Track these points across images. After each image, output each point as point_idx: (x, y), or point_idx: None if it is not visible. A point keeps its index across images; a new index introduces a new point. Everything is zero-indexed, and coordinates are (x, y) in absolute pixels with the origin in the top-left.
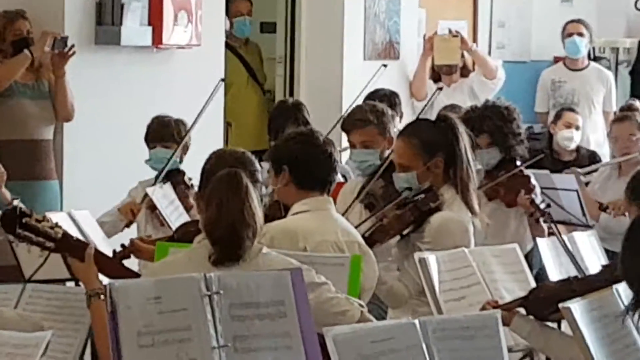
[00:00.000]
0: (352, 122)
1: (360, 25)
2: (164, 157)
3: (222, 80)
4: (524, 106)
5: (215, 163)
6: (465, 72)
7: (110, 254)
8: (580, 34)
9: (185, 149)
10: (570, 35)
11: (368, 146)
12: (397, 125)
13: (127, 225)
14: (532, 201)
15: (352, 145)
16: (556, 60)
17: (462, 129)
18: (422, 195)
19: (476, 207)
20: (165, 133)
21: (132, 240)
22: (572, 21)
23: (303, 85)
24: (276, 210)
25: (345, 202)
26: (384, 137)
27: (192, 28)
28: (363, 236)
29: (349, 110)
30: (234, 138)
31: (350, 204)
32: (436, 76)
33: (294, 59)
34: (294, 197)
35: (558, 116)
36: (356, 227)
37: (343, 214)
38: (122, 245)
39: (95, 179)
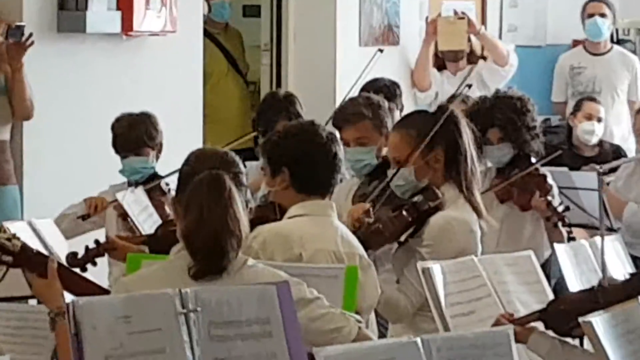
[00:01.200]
0: (345, 117)
1: (355, 7)
2: (141, 167)
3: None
4: (540, 96)
5: (194, 164)
6: (473, 58)
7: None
8: (602, 15)
9: (160, 148)
10: (591, 15)
11: (363, 143)
12: (397, 118)
13: (84, 218)
14: (549, 203)
15: (346, 143)
16: (575, 43)
17: (463, 121)
18: (420, 194)
19: (482, 207)
20: (134, 139)
21: (108, 237)
22: (593, 0)
23: (291, 76)
24: (270, 212)
25: (340, 204)
26: (381, 133)
27: (166, 13)
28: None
29: (340, 103)
30: (212, 135)
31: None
32: (440, 63)
33: (280, 46)
34: (293, 201)
35: (578, 107)
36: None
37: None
38: (96, 242)
39: (59, 184)
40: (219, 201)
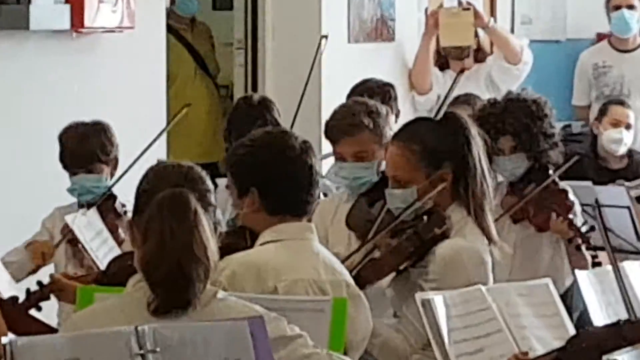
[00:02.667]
0: (342, 128)
1: None
2: (93, 186)
3: (187, 105)
4: (559, 99)
5: (153, 181)
6: (480, 56)
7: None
8: (631, 6)
9: (115, 163)
10: (617, 8)
11: (362, 158)
12: (392, 125)
13: (34, 271)
14: (571, 223)
15: (341, 157)
16: (600, 38)
17: (474, 131)
18: (425, 219)
19: (494, 232)
20: (86, 153)
21: (52, 277)
22: None
23: (269, 78)
24: (239, 239)
25: (323, 225)
26: (381, 144)
27: (122, 6)
28: (350, 273)
29: (333, 111)
30: (177, 148)
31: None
32: (443, 62)
33: (256, 43)
34: (265, 224)
35: (603, 111)
36: (342, 262)
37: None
38: (39, 283)
39: None
40: (182, 224)
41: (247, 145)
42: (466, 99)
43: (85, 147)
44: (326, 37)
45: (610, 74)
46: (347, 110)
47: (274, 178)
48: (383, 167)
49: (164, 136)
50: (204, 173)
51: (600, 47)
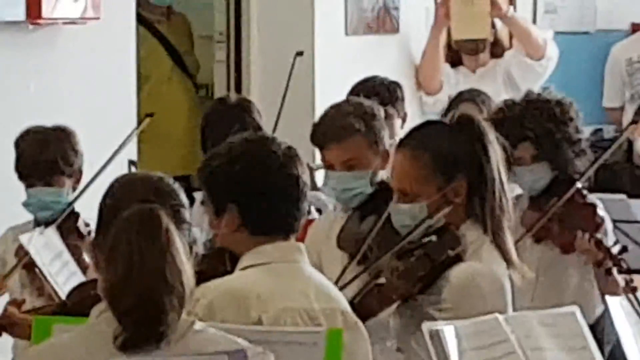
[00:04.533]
0: (329, 133)
1: None
2: (52, 200)
3: (149, 115)
4: (588, 99)
5: (119, 196)
6: (498, 50)
7: None
8: None
9: (79, 176)
10: None
11: (354, 166)
12: (398, 130)
13: None
14: (599, 243)
15: (329, 166)
16: (635, 29)
17: (492, 137)
18: (436, 238)
19: (514, 254)
20: (46, 162)
21: (5, 310)
22: None
23: (255, 77)
24: (217, 263)
25: (317, 246)
26: (376, 151)
27: None
28: (351, 303)
29: (322, 113)
30: (150, 157)
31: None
32: (455, 58)
33: (240, 36)
34: (247, 246)
35: (639, 113)
36: (340, 290)
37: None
38: None
39: None
40: (153, 246)
41: (222, 155)
42: (471, 96)
43: (44, 156)
44: (301, 53)
45: None
46: (336, 111)
47: (255, 193)
48: (379, 177)
49: (134, 145)
50: (176, 185)
51: (635, 39)
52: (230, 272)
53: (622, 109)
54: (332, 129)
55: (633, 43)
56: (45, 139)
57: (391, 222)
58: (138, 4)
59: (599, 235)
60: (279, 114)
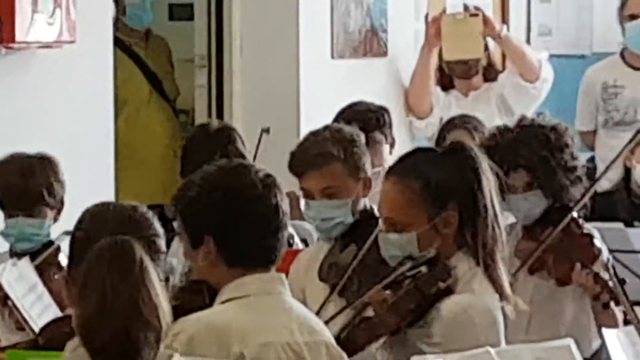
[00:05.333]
0: (306, 160)
1: (325, 4)
2: (33, 233)
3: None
4: None
5: (90, 227)
6: (491, 73)
7: None
8: None
9: (60, 207)
10: (633, 17)
11: (332, 195)
12: (386, 156)
13: None
14: (597, 275)
15: (308, 195)
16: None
17: (485, 165)
18: (426, 270)
19: (507, 286)
20: (30, 192)
21: None
22: None
23: (237, 101)
24: (196, 296)
25: (300, 279)
26: (357, 178)
27: (61, 16)
28: (337, 337)
29: (300, 141)
30: (128, 185)
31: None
32: (447, 81)
33: (222, 60)
34: (226, 278)
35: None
36: (326, 324)
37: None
38: None
39: None
40: (126, 280)
41: (198, 184)
42: (462, 123)
43: (29, 186)
44: (267, 131)
45: (623, 95)
46: (314, 138)
47: (233, 224)
48: (361, 205)
49: (112, 174)
50: (150, 214)
51: (610, 62)
52: (209, 305)
53: (594, 133)
54: (309, 157)
55: (608, 66)
56: (30, 167)
57: (374, 252)
58: (115, 27)
59: (595, 268)
60: (259, 141)
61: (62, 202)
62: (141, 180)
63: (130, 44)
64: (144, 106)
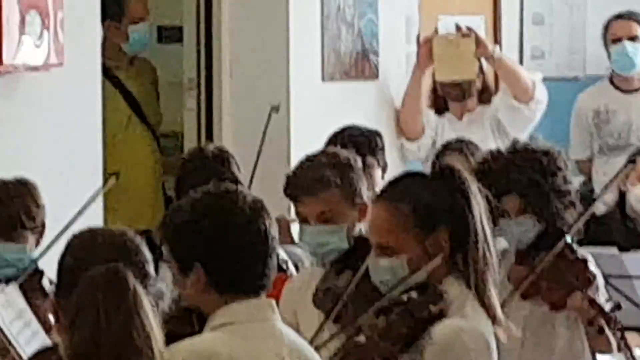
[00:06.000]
0: (302, 185)
1: (315, 28)
2: (15, 258)
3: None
4: None
5: (79, 255)
6: (486, 96)
7: None
8: (633, 38)
9: (42, 230)
10: (617, 40)
11: (329, 220)
12: (378, 180)
13: None
14: (592, 301)
15: (304, 220)
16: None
17: (474, 188)
18: (417, 294)
19: (499, 310)
20: (7, 218)
21: None
22: (619, 16)
23: (227, 125)
24: (185, 324)
25: (292, 305)
26: (353, 204)
27: (49, 39)
28: None
29: (296, 164)
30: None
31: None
32: (439, 102)
33: (211, 83)
34: (215, 305)
35: (632, 162)
36: (317, 350)
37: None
38: None
39: None
40: (119, 309)
41: (185, 211)
42: (459, 146)
43: (6, 211)
44: (277, 108)
45: (616, 120)
46: (310, 163)
47: (222, 250)
48: (357, 231)
49: (100, 199)
50: (138, 239)
51: (600, 88)
52: (199, 332)
53: (590, 160)
54: (305, 182)
55: (598, 92)
56: (7, 193)
57: (369, 278)
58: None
59: (590, 292)
60: (255, 165)
61: (43, 225)
62: (126, 205)
63: (110, 67)
64: (121, 131)
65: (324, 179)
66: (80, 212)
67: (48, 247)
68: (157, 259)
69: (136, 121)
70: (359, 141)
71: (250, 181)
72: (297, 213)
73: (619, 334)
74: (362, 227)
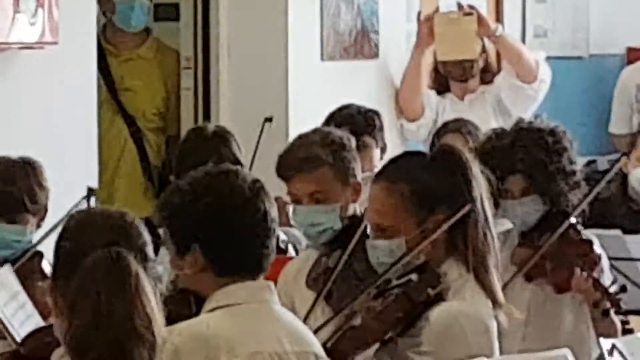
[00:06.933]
0: (294, 164)
1: (315, 4)
2: (14, 239)
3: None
4: (581, 128)
5: (78, 238)
6: (488, 76)
7: None
8: None
9: (44, 213)
10: None
11: (321, 200)
12: (377, 161)
13: None
14: (596, 282)
15: (296, 199)
16: (632, 53)
17: (475, 169)
18: (415, 277)
19: (499, 293)
20: (10, 198)
21: None
22: None
23: (225, 104)
24: (182, 306)
25: (288, 288)
26: (346, 183)
27: (43, 17)
28: (324, 346)
29: (288, 144)
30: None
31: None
32: (441, 82)
33: (208, 62)
34: (213, 287)
35: (633, 144)
36: (314, 333)
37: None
38: None
39: None
40: (121, 293)
41: (184, 191)
42: (457, 127)
43: (9, 191)
44: (270, 120)
45: None
46: (302, 142)
47: (220, 231)
48: (351, 211)
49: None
50: (138, 221)
51: None
52: (196, 314)
53: (630, 136)
54: (297, 160)
55: None
56: (11, 172)
57: (363, 259)
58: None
59: (595, 274)
60: (257, 147)
61: (45, 209)
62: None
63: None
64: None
65: (315, 157)
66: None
67: (47, 233)
68: (156, 241)
69: (109, 101)
70: (357, 120)
71: (252, 162)
72: (289, 193)
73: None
74: (356, 207)
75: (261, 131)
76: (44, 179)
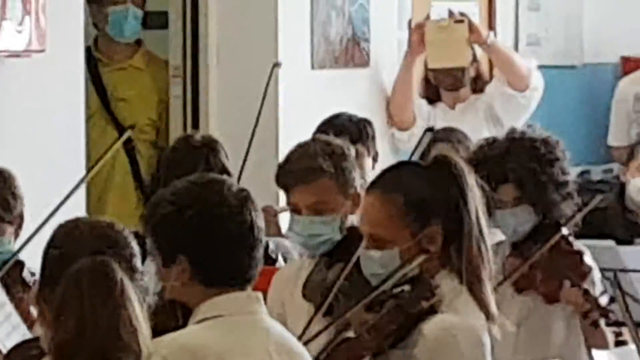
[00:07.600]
0: (295, 174)
1: (304, 13)
2: None
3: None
4: (574, 138)
5: (65, 246)
6: (479, 85)
7: None
8: None
9: (20, 222)
10: None
11: (322, 211)
12: (369, 170)
13: None
14: (586, 293)
15: (296, 210)
16: (626, 62)
17: (471, 179)
18: (408, 288)
19: (493, 306)
20: None
21: None
22: None
23: (214, 113)
24: (169, 317)
25: (280, 297)
26: (347, 194)
27: (30, 25)
28: (316, 358)
29: (288, 152)
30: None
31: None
32: (432, 91)
33: (197, 70)
34: (200, 298)
35: (632, 154)
36: (305, 345)
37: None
38: None
39: None
40: (106, 302)
41: (169, 201)
42: (445, 136)
43: None
44: (279, 64)
45: None
46: (303, 151)
47: (206, 242)
48: (350, 222)
49: (83, 186)
50: (127, 231)
51: None
52: (183, 326)
53: (628, 148)
54: (298, 170)
55: None
56: None
57: (360, 271)
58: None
59: (585, 286)
60: (247, 153)
61: (21, 217)
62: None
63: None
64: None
65: (317, 168)
66: (62, 202)
67: (29, 239)
68: (145, 253)
69: (102, 112)
70: (349, 129)
71: (241, 171)
72: (289, 203)
73: (619, 328)
74: (353, 219)
75: (253, 133)
76: (17, 187)
